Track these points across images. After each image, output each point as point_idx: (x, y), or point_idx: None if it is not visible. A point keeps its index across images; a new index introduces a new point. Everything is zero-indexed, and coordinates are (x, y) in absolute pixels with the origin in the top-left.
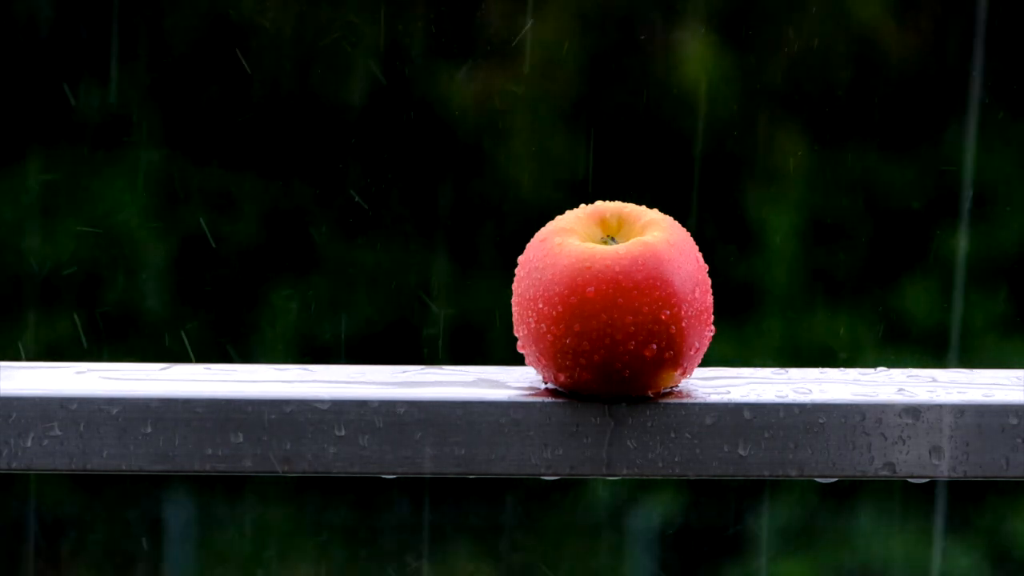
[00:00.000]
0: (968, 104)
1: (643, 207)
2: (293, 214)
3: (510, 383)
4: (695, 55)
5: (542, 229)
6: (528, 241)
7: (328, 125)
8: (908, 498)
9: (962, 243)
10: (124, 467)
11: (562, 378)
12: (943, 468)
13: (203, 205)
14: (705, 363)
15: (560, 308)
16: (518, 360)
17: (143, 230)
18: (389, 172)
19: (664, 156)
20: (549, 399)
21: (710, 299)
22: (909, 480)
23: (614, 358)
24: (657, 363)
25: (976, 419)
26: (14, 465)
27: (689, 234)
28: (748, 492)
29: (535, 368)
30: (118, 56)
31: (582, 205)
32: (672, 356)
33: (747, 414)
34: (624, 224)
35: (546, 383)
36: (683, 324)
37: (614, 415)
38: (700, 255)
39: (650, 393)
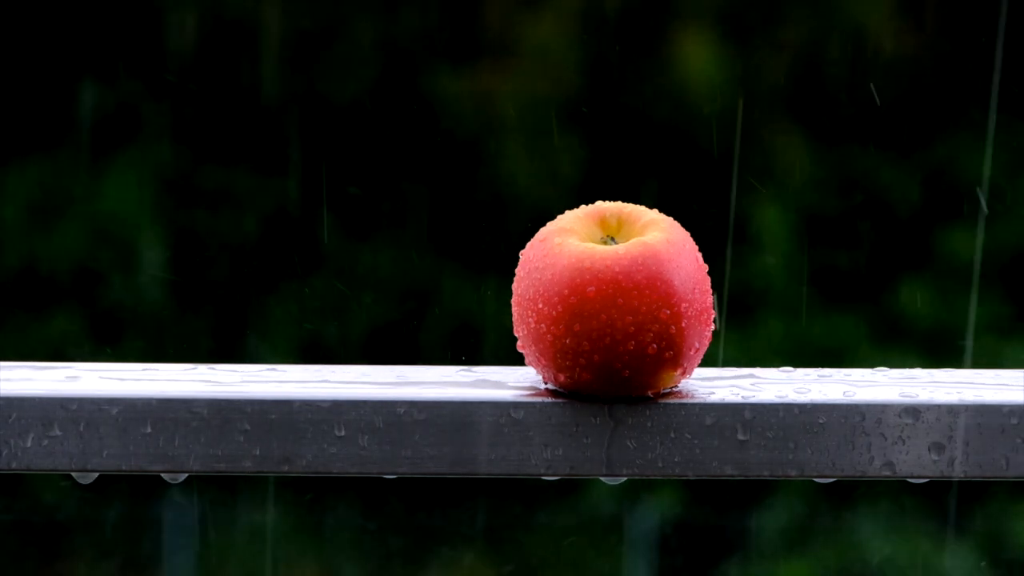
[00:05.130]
0: (968, 104)
1: (643, 207)
2: (294, 213)
3: (510, 383)
4: (695, 55)
5: (542, 229)
6: (528, 241)
7: (328, 124)
8: (908, 498)
9: (962, 243)
10: (124, 467)
11: (562, 378)
12: (943, 468)
13: (204, 204)
14: (705, 363)
15: (560, 308)
16: (518, 360)
17: (144, 229)
18: (389, 172)
19: (664, 156)
20: (549, 399)
21: (710, 299)
22: (909, 480)
23: (614, 358)
24: (657, 363)
25: (976, 419)
26: (14, 465)
27: (689, 234)
28: (748, 492)
29: (535, 368)
30: (120, 55)
31: (582, 205)
32: (672, 356)
33: (747, 414)
34: (624, 224)
35: (546, 383)
36: (683, 324)
37: (614, 415)
38: (700, 255)
39: (650, 393)
